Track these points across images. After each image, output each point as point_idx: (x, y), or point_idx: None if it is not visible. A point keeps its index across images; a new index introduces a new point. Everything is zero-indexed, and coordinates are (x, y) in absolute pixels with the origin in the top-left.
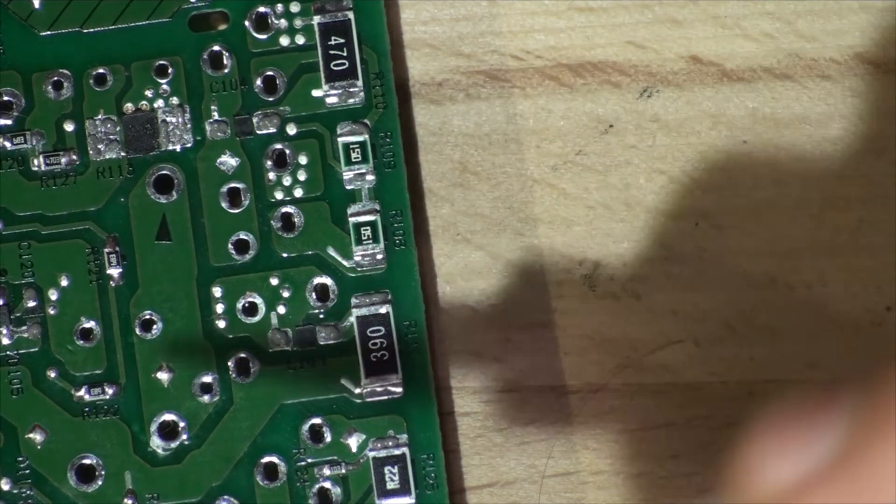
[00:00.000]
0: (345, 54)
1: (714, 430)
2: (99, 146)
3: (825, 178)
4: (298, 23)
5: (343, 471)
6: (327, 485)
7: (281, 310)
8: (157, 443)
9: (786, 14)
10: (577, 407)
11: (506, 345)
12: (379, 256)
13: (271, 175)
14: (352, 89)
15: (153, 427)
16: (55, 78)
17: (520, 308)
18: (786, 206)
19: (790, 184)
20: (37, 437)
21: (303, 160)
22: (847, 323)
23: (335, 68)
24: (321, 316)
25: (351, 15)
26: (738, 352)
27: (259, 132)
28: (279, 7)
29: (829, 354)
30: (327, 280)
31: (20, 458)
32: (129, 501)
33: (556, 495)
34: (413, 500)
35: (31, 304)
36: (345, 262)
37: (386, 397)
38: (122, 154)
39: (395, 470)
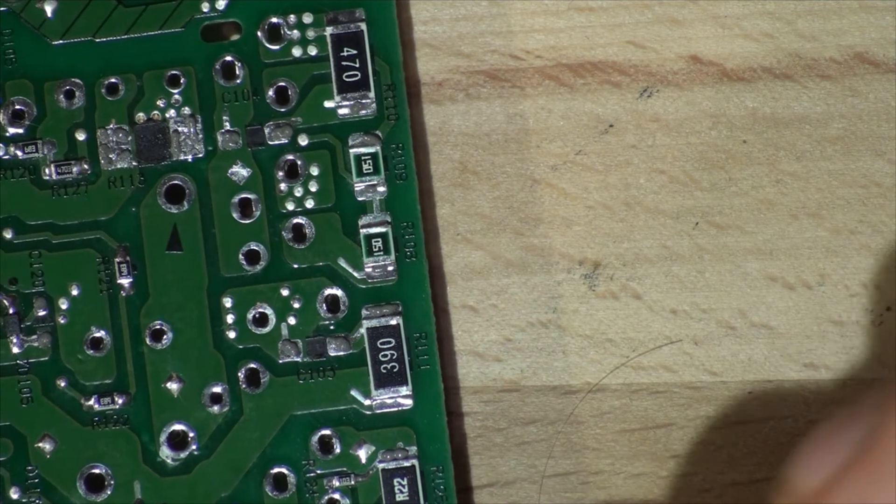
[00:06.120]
0: (357, 65)
1: (714, 430)
2: (110, 155)
3: (825, 178)
4: (311, 34)
5: (352, 482)
6: (336, 496)
7: (291, 321)
8: (166, 453)
9: (786, 14)
10: (577, 407)
11: (506, 345)
12: (390, 268)
13: (283, 186)
14: (364, 101)
15: (162, 437)
16: (67, 87)
17: (520, 308)
18: (786, 206)
19: (790, 184)
20: (46, 446)
21: (314, 171)
22: (847, 323)
23: (347, 79)
24: (331, 327)
25: (363, 26)
26: (738, 352)
27: (271, 143)
28: (292, 18)
29: (829, 354)
30: (338, 291)
31: (29, 467)
32: None
33: (556, 495)
34: None
35: (42, 313)
36: (356, 274)
37: (395, 409)
38: (134, 164)
39: (405, 482)
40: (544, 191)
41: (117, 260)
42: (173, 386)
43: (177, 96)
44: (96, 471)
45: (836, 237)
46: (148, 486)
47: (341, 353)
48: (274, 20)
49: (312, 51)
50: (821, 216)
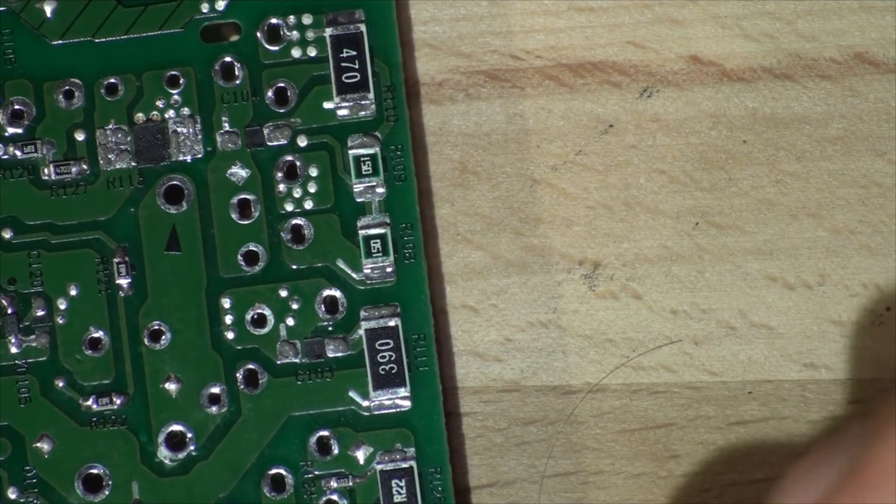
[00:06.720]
0: (356, 67)
1: (714, 430)
2: (109, 156)
3: (825, 178)
4: (310, 35)
5: (350, 483)
6: (334, 497)
7: (290, 322)
8: (164, 453)
9: (786, 14)
10: (577, 407)
11: (506, 345)
12: (388, 269)
13: (281, 187)
14: (363, 102)
15: (161, 437)
16: (66, 87)
17: (520, 308)
18: (786, 206)
19: (790, 184)
20: (44, 446)
21: (313, 172)
22: (847, 323)
23: (347, 80)
24: (330, 328)
25: (363, 27)
26: (738, 352)
27: (270, 143)
28: (291, 19)
29: (829, 354)
30: (336, 292)
31: (27, 468)
32: None
33: (556, 495)
34: None
35: (40, 313)
36: (354, 275)
37: (394, 410)
38: (133, 164)
39: (403, 483)
40: (544, 191)
41: (116, 260)
42: (171, 386)
43: (176, 97)
44: (94, 471)
45: (836, 237)
46: (146, 486)
47: (340, 355)
48: (273, 21)
49: (312, 52)
50: (821, 216)
